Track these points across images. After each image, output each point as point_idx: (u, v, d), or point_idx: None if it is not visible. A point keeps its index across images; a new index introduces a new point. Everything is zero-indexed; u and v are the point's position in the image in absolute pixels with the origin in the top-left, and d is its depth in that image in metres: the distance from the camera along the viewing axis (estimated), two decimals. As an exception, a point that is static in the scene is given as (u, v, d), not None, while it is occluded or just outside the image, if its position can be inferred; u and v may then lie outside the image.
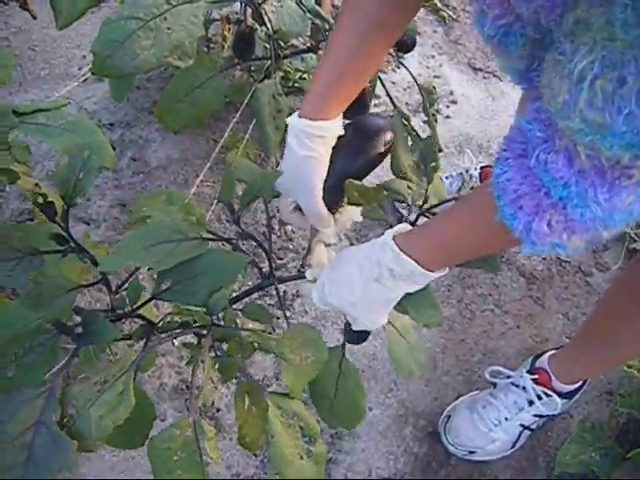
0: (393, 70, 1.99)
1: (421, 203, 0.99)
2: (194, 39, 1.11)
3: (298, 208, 0.95)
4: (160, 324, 0.86)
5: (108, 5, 1.90)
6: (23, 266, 0.80)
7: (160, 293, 0.78)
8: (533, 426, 1.36)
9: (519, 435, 1.36)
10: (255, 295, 1.45)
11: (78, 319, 0.79)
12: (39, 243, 0.82)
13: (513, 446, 1.36)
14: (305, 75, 1.72)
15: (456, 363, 1.49)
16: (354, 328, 0.92)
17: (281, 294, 1.48)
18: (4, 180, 1.04)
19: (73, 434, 0.69)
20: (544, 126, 0.61)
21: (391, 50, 1.48)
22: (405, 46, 1.43)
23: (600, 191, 0.59)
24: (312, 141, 0.88)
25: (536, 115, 0.62)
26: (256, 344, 0.80)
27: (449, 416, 1.38)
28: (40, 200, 0.82)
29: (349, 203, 0.93)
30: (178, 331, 0.84)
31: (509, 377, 1.38)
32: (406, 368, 0.99)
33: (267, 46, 1.42)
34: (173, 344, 1.39)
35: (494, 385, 1.40)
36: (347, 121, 0.95)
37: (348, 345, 0.99)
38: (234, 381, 0.84)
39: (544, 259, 1.67)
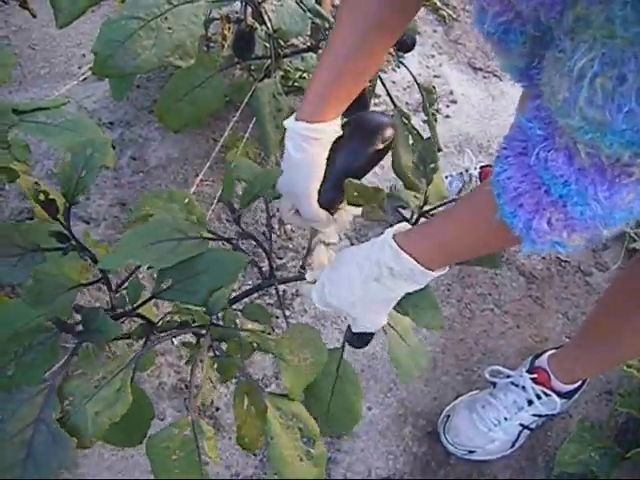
0: (393, 69, 1.99)
1: (421, 204, 0.99)
2: (195, 39, 1.11)
3: (298, 210, 0.95)
4: (159, 323, 0.86)
5: (108, 4, 1.89)
6: (25, 262, 0.81)
7: (160, 292, 0.78)
8: (532, 426, 1.36)
9: (518, 435, 1.36)
10: (255, 294, 1.45)
11: (78, 317, 0.79)
12: (40, 241, 0.82)
13: (512, 446, 1.36)
14: (305, 74, 1.72)
15: (456, 363, 1.50)
16: (354, 330, 0.92)
17: (280, 293, 1.48)
18: (4, 179, 1.04)
19: (69, 430, 0.69)
20: (544, 124, 0.61)
21: (391, 50, 1.48)
22: (405, 46, 1.43)
23: (600, 189, 0.59)
24: (308, 143, 0.88)
25: (536, 113, 0.62)
26: (255, 344, 0.80)
27: (448, 416, 1.38)
28: (42, 198, 0.82)
29: (349, 203, 0.92)
30: (177, 330, 0.84)
31: (508, 377, 1.38)
32: (407, 371, 0.98)
33: (267, 45, 1.42)
34: (172, 343, 1.39)
35: (493, 385, 1.40)
36: (346, 119, 0.95)
37: (348, 345, 0.98)
38: (234, 380, 0.84)
39: (544, 259, 1.67)
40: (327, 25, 1.37)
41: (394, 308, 0.89)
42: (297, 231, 1.59)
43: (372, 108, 1.79)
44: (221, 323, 0.83)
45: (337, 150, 0.91)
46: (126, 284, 0.91)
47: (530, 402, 1.34)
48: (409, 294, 0.86)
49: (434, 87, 1.46)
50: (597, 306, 1.31)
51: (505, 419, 1.34)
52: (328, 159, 0.91)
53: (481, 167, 1.69)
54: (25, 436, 0.67)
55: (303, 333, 0.82)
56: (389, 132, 0.92)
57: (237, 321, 0.86)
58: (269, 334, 0.82)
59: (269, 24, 1.37)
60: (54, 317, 0.75)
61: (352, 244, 1.58)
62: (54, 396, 0.70)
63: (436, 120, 1.46)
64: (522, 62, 0.67)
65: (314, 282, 0.91)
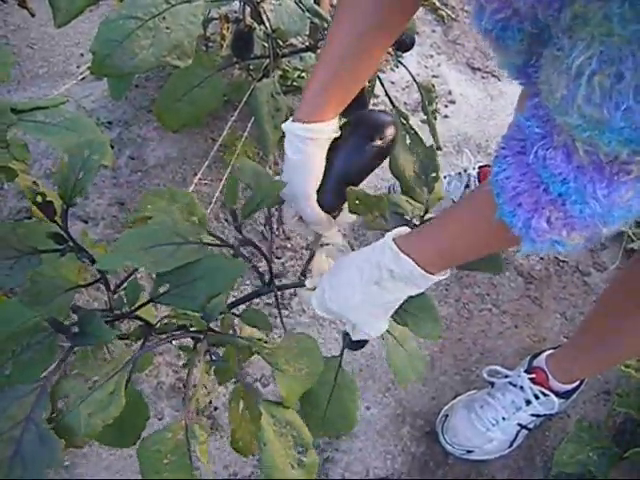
0: (392, 69, 1.99)
1: (422, 214, 0.98)
2: (193, 38, 1.11)
3: (301, 216, 0.94)
4: (158, 325, 0.86)
5: (106, 3, 1.89)
6: (21, 265, 0.80)
7: (158, 296, 0.77)
8: (530, 425, 1.37)
9: (516, 434, 1.36)
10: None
11: (76, 317, 0.79)
12: (37, 242, 0.82)
13: (510, 445, 1.37)
14: (304, 74, 1.72)
15: (454, 362, 1.50)
16: (353, 338, 0.91)
17: (279, 293, 1.48)
18: (2, 178, 1.04)
19: (61, 429, 0.69)
20: (542, 122, 0.61)
21: (390, 49, 1.47)
22: (404, 45, 1.42)
23: (599, 187, 0.59)
24: (305, 144, 0.87)
25: (534, 111, 0.62)
26: (253, 349, 0.79)
27: (447, 415, 1.38)
28: (39, 199, 0.82)
29: (350, 211, 0.91)
30: (175, 334, 0.83)
31: (507, 377, 1.38)
32: (404, 376, 0.98)
33: (266, 45, 1.42)
34: (171, 342, 1.39)
35: (492, 384, 1.40)
36: (345, 119, 0.94)
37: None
38: (232, 380, 0.84)
39: (542, 259, 1.67)
40: (326, 25, 1.37)
41: (392, 318, 0.88)
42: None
43: (371, 108, 1.79)
44: (218, 328, 0.82)
45: (337, 150, 0.90)
46: (125, 284, 0.91)
47: (528, 402, 1.34)
48: (409, 303, 0.86)
49: (433, 86, 1.46)
50: (595, 306, 1.31)
51: (503, 419, 1.34)
52: (328, 160, 0.90)
53: (480, 167, 1.69)
54: (14, 434, 0.67)
55: (300, 342, 0.81)
56: (390, 130, 0.91)
57: (236, 325, 0.85)
58: (267, 336, 0.82)
59: (268, 24, 1.36)
60: (51, 318, 0.75)
61: (350, 243, 1.58)
62: (45, 396, 0.69)
63: (435, 119, 1.46)
64: (520, 59, 0.67)
65: (314, 289, 0.90)
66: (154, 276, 0.79)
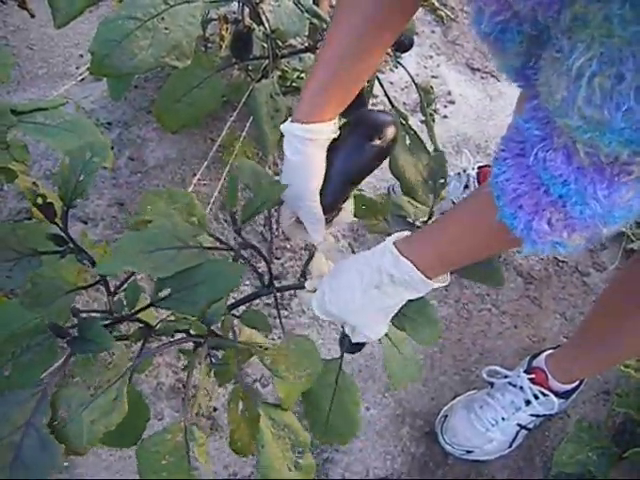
0: (391, 70, 1.99)
1: (426, 219, 0.98)
2: (192, 39, 1.11)
3: (298, 220, 0.94)
4: (157, 327, 0.86)
5: (106, 4, 1.89)
6: (21, 267, 0.80)
7: (158, 300, 0.77)
8: (530, 426, 1.37)
9: (516, 435, 1.36)
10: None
11: (76, 319, 0.79)
12: (37, 243, 0.81)
13: (510, 446, 1.37)
14: (303, 75, 1.72)
15: (453, 363, 1.50)
16: (353, 340, 0.90)
17: (278, 294, 1.48)
18: (2, 179, 1.04)
19: (64, 437, 0.69)
20: (542, 124, 0.61)
21: (389, 50, 1.47)
22: (403, 46, 1.42)
23: (599, 188, 0.59)
24: (304, 145, 0.86)
25: (533, 113, 0.62)
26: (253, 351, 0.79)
27: (446, 416, 1.38)
28: (39, 201, 0.81)
29: (356, 216, 0.91)
30: (175, 338, 0.83)
31: (506, 377, 1.38)
32: (397, 380, 0.98)
33: (265, 46, 1.42)
34: (171, 345, 1.39)
35: (491, 385, 1.40)
36: (345, 120, 0.94)
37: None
38: (232, 381, 0.84)
39: (541, 259, 1.67)
40: (325, 25, 1.36)
41: (391, 322, 0.88)
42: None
43: (370, 108, 1.79)
44: (218, 331, 0.82)
45: (336, 150, 0.89)
46: (125, 285, 0.91)
47: (528, 402, 1.34)
48: (407, 307, 0.86)
49: (432, 87, 1.46)
50: (595, 306, 1.31)
51: (503, 419, 1.34)
52: (327, 160, 0.89)
53: (479, 167, 1.69)
54: (14, 439, 0.67)
55: (299, 345, 0.81)
56: (390, 130, 0.90)
57: (235, 328, 0.85)
58: (266, 336, 0.82)
59: (267, 24, 1.36)
60: (50, 322, 0.75)
61: (349, 244, 1.58)
62: (46, 401, 0.69)
63: (434, 120, 1.46)
64: (518, 61, 0.67)
65: (314, 291, 0.90)
66: (154, 278, 0.79)
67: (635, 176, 0.58)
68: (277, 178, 0.93)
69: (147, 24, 1.06)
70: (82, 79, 1.75)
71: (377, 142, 0.89)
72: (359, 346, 0.95)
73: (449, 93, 1.99)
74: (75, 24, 1.11)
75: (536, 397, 1.34)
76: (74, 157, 0.84)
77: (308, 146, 0.87)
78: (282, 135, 0.89)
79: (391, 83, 1.96)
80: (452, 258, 0.81)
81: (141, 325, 0.85)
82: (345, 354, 0.97)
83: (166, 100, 1.36)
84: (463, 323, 1.55)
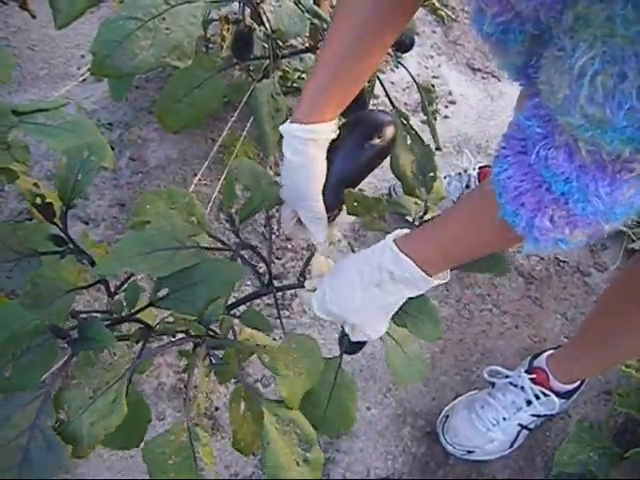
0: (392, 70, 1.99)
1: (422, 214, 0.98)
2: (193, 39, 1.11)
3: (300, 220, 0.94)
4: (157, 327, 0.86)
5: (107, 5, 1.90)
6: (21, 267, 0.80)
7: (157, 300, 0.77)
8: (531, 426, 1.36)
9: (517, 435, 1.36)
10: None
11: (76, 321, 0.79)
12: (37, 244, 0.81)
13: (511, 446, 1.37)
14: (304, 75, 1.72)
15: (454, 363, 1.50)
16: (352, 339, 0.90)
17: (279, 294, 1.48)
18: (3, 179, 1.04)
19: (64, 439, 0.69)
20: (543, 122, 0.61)
21: (390, 50, 1.47)
22: (404, 46, 1.42)
23: (601, 185, 0.59)
24: (305, 145, 0.86)
25: (535, 111, 0.62)
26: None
27: (447, 416, 1.38)
28: (39, 202, 0.81)
29: (349, 213, 0.91)
30: (174, 339, 0.83)
31: (507, 377, 1.38)
32: (404, 378, 0.98)
33: (266, 46, 1.42)
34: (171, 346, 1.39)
35: (492, 385, 1.40)
36: (345, 120, 0.94)
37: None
38: (233, 380, 0.84)
39: (542, 259, 1.67)
40: (325, 26, 1.37)
41: (392, 320, 0.88)
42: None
43: (370, 108, 1.80)
44: (218, 331, 0.82)
45: (336, 150, 0.89)
46: (125, 286, 0.91)
47: (529, 402, 1.34)
48: (408, 305, 0.85)
49: (433, 86, 1.46)
50: (596, 306, 1.31)
51: (504, 419, 1.34)
52: (327, 160, 0.89)
53: (480, 167, 1.69)
54: (21, 442, 0.67)
55: (300, 344, 0.81)
56: (390, 129, 0.91)
57: (235, 327, 0.85)
58: (267, 336, 0.82)
59: (268, 25, 1.37)
60: (50, 323, 0.75)
61: (350, 243, 1.58)
62: (50, 403, 0.69)
63: (435, 119, 1.46)
64: (520, 60, 0.67)
65: (313, 290, 0.90)
66: (154, 278, 0.79)
67: (637, 173, 0.58)
68: (277, 178, 0.93)
69: (148, 24, 1.06)
70: (83, 80, 1.75)
71: (377, 141, 0.89)
72: (359, 345, 0.95)
73: (450, 93, 1.99)
74: (76, 25, 1.10)
75: (537, 397, 1.34)
76: (72, 157, 0.84)
77: (309, 146, 0.87)
78: (282, 136, 0.89)
79: (392, 83, 1.96)
80: (453, 255, 0.81)
81: (141, 325, 0.85)
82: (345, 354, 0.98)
83: (167, 100, 1.36)
84: (464, 323, 1.55)
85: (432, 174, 0.97)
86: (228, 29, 1.56)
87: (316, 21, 1.37)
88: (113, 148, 1.66)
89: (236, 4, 1.41)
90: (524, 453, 1.39)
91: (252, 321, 0.88)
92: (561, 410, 1.38)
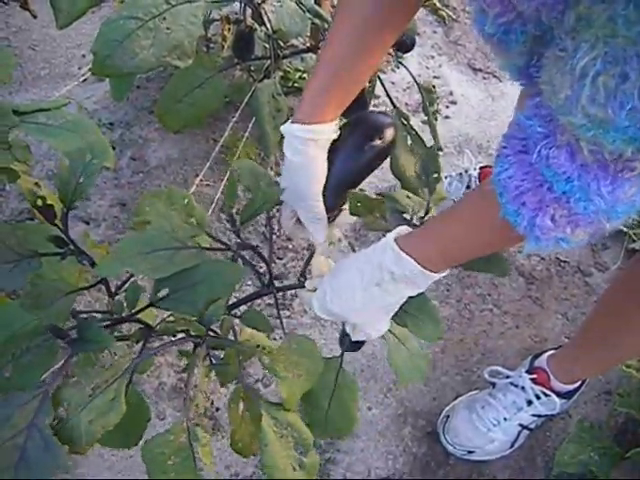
0: (392, 70, 1.99)
1: (423, 214, 0.98)
2: (193, 39, 1.11)
3: (299, 220, 0.93)
4: (158, 327, 0.86)
5: (108, 5, 1.90)
6: (21, 268, 0.80)
7: (157, 301, 0.77)
8: (532, 426, 1.36)
9: (518, 435, 1.36)
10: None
11: (76, 321, 0.79)
12: (38, 245, 0.81)
13: (512, 446, 1.36)
14: (305, 75, 1.72)
15: (455, 363, 1.50)
16: (353, 338, 0.90)
17: (280, 294, 1.48)
18: (4, 179, 1.04)
19: (63, 436, 0.69)
20: (545, 122, 0.61)
21: (390, 50, 1.48)
22: (404, 46, 1.42)
23: (603, 184, 0.59)
24: (306, 145, 0.86)
25: (536, 111, 0.62)
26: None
27: (448, 416, 1.38)
28: (39, 203, 0.81)
29: (351, 213, 0.91)
30: (175, 338, 0.83)
31: (508, 377, 1.38)
32: (407, 376, 0.98)
33: (267, 46, 1.42)
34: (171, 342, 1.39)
35: (493, 385, 1.40)
36: (345, 120, 0.94)
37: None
38: (233, 381, 0.84)
39: (543, 259, 1.67)
40: (326, 26, 1.37)
41: (392, 319, 0.88)
42: (297, 231, 1.59)
43: (371, 109, 1.79)
44: (218, 331, 0.82)
45: (336, 151, 0.89)
46: (126, 286, 0.91)
47: (529, 402, 1.34)
48: (408, 304, 0.85)
49: (434, 87, 1.46)
50: (596, 306, 1.31)
51: (504, 419, 1.34)
52: (328, 161, 0.89)
53: (480, 168, 1.69)
54: (18, 441, 0.67)
55: (300, 345, 0.81)
56: (390, 131, 0.90)
57: (236, 327, 0.85)
58: (268, 337, 0.82)
59: (269, 25, 1.37)
60: (50, 324, 0.75)
61: (350, 243, 1.58)
62: (48, 402, 0.69)
63: (436, 119, 1.46)
64: (521, 60, 0.67)
65: (314, 290, 0.89)
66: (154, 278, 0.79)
67: (638, 172, 0.59)
68: (278, 179, 0.93)
69: (149, 24, 1.06)
70: (84, 80, 1.75)
71: (377, 142, 0.89)
72: (359, 344, 0.95)
73: (451, 93, 1.99)
74: (77, 25, 1.11)
75: (538, 397, 1.34)
76: (73, 159, 0.84)
77: (309, 147, 0.86)
78: (282, 136, 0.89)
79: (393, 83, 1.96)
80: (454, 255, 0.81)
81: (141, 326, 0.85)
82: (346, 353, 0.97)
83: (168, 100, 1.36)
84: (465, 323, 1.55)
85: (436, 175, 0.96)
86: (229, 29, 1.56)
87: (317, 21, 1.37)
88: (114, 148, 1.66)
89: (237, 4, 1.41)
90: (525, 453, 1.39)
91: (253, 321, 0.88)
92: (562, 410, 1.38)
